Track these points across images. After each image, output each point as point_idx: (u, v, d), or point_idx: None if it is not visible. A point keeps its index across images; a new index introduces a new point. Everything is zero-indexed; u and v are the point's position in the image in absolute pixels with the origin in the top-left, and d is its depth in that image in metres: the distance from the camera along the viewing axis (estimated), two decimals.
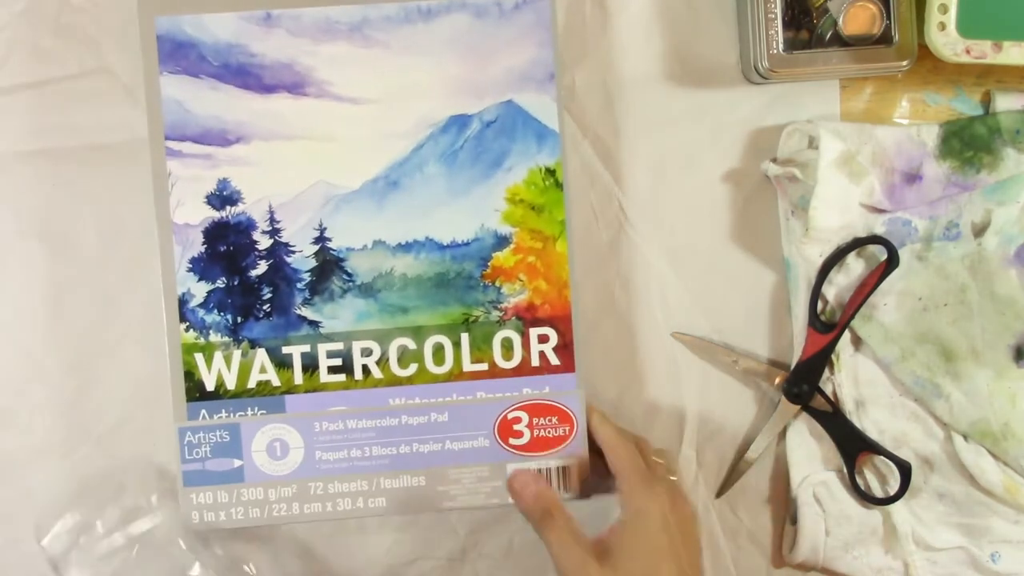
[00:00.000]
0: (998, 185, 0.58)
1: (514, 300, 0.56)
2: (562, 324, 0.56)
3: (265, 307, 0.55)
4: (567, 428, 0.57)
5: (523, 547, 0.60)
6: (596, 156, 0.60)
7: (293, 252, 0.55)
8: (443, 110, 0.56)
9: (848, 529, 0.59)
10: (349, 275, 0.56)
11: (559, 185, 0.56)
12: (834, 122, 0.59)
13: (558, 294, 0.56)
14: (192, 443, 0.55)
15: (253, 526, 0.56)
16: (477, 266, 0.56)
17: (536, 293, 0.56)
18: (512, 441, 0.56)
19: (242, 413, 0.55)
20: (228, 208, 0.55)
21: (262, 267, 0.55)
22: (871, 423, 0.59)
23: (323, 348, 0.56)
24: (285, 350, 0.56)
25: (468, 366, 0.56)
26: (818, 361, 0.59)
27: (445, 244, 0.56)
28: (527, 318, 0.56)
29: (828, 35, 0.57)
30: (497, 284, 0.56)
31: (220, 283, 0.55)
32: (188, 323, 0.55)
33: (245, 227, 0.55)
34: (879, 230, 0.58)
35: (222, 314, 0.55)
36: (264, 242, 0.55)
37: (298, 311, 0.56)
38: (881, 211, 0.58)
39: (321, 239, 0.55)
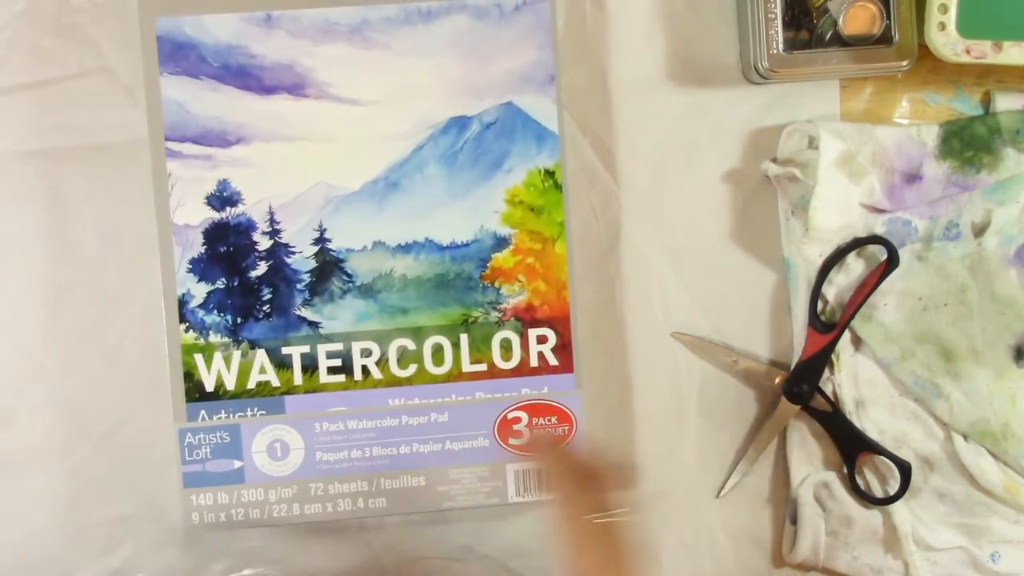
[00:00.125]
0: (998, 185, 0.58)
1: (513, 301, 0.56)
2: (561, 325, 0.56)
3: (265, 308, 0.55)
4: (567, 428, 0.57)
5: (523, 547, 0.60)
6: (596, 156, 0.60)
7: (293, 253, 0.55)
8: (443, 111, 0.56)
9: (848, 529, 0.59)
10: (349, 276, 0.56)
11: (558, 187, 0.56)
12: (834, 122, 0.59)
13: (557, 295, 0.56)
14: (192, 444, 0.55)
15: (253, 527, 0.56)
16: (476, 267, 0.56)
17: (535, 294, 0.56)
18: (512, 441, 0.56)
19: (242, 414, 0.55)
20: (228, 209, 0.55)
21: (262, 268, 0.55)
22: (871, 423, 0.59)
23: (323, 349, 0.56)
24: (285, 351, 0.56)
25: (467, 367, 0.56)
26: (818, 361, 0.59)
27: (445, 245, 0.56)
28: (526, 319, 0.56)
29: (828, 35, 0.57)
30: (496, 285, 0.56)
31: (220, 284, 0.55)
32: (188, 324, 0.55)
33: (245, 228, 0.55)
34: (879, 230, 0.58)
35: (222, 315, 0.55)
36: (264, 243, 0.55)
37: (298, 312, 0.56)
38: (881, 211, 0.58)
39: (321, 240, 0.55)
